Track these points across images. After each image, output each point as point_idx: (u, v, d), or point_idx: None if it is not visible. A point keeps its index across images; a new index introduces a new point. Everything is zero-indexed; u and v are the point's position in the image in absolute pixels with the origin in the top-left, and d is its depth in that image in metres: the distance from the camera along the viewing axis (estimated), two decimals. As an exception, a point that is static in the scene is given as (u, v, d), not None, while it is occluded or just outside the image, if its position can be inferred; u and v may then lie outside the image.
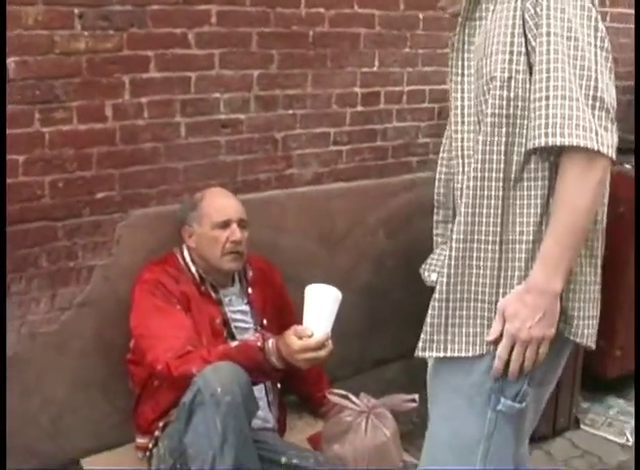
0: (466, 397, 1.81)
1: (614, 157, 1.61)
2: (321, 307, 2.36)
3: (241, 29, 2.96)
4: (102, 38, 2.66)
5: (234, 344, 2.60)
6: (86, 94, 2.67)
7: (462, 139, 1.85)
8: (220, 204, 2.82)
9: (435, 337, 1.81)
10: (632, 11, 4.30)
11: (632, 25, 4.32)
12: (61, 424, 2.86)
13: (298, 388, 3.09)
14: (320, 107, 3.26)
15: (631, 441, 3.31)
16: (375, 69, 3.39)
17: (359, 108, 3.38)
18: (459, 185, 1.84)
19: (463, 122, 1.85)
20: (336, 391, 2.86)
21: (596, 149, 1.57)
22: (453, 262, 1.78)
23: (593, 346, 1.80)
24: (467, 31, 1.85)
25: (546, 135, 1.60)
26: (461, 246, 1.77)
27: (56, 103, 2.62)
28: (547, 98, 1.61)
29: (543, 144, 1.62)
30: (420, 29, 3.46)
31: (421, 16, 3.43)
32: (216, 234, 2.75)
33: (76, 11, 2.60)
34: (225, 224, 2.76)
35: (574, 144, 1.58)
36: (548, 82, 1.61)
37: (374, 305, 3.57)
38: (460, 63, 1.86)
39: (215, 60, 2.93)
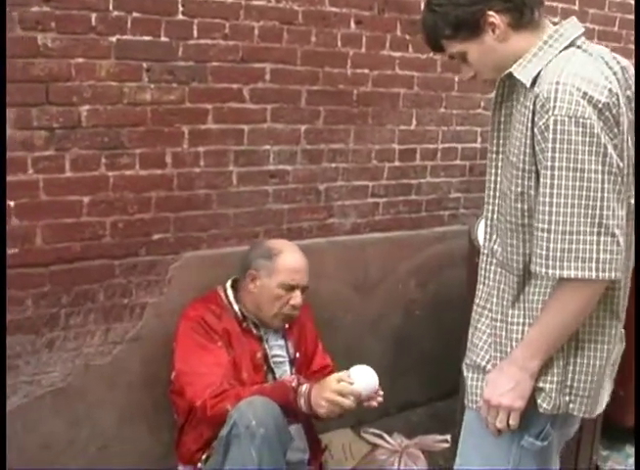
0: None
1: (613, 276, 1.72)
2: (366, 374, 2.61)
3: (292, 87, 3.14)
4: (166, 91, 2.84)
5: (269, 383, 2.74)
6: (149, 142, 2.84)
7: (493, 211, 1.99)
8: (295, 267, 2.86)
9: None
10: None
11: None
12: (107, 453, 2.97)
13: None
14: (361, 161, 3.42)
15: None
16: (412, 127, 3.55)
17: (396, 163, 3.54)
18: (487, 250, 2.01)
19: (495, 196, 1.98)
20: (370, 430, 2.98)
21: (594, 277, 1.71)
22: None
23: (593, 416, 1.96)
24: (503, 112, 1.95)
25: (547, 266, 1.74)
26: (498, 325, 1.95)
27: (121, 149, 2.78)
28: (549, 231, 1.72)
29: (544, 273, 1.76)
30: (455, 91, 3.63)
31: (456, 78, 3.59)
32: (280, 293, 2.82)
33: (145, 65, 2.77)
34: (292, 288, 2.83)
35: (572, 276, 1.72)
36: (550, 216, 1.72)
37: (401, 350, 3.69)
38: (495, 141, 1.98)
39: (267, 114, 3.10)
